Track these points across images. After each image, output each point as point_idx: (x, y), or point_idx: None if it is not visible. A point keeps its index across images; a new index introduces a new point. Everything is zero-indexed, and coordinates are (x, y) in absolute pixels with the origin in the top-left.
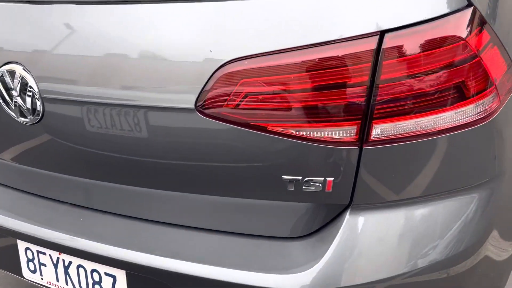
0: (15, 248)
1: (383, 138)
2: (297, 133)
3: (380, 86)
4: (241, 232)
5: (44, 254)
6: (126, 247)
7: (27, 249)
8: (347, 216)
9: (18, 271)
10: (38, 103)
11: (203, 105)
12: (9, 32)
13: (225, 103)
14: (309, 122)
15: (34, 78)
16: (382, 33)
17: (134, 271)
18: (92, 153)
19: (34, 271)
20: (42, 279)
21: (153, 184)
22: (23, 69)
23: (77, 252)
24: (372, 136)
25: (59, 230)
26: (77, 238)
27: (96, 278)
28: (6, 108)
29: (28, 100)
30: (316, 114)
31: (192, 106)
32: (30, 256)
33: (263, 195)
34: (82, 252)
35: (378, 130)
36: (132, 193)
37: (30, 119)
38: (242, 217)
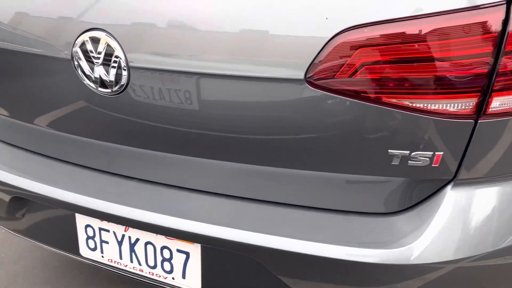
0: (72, 226)
1: (501, 111)
2: (412, 105)
3: (504, 57)
4: (334, 208)
5: (107, 231)
6: (208, 222)
7: (87, 226)
8: (449, 191)
9: (75, 250)
10: (124, 73)
11: (313, 76)
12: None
13: (338, 73)
14: (426, 93)
15: (121, 47)
16: (508, 2)
17: (217, 246)
18: (178, 125)
19: (94, 249)
20: (102, 256)
21: (247, 159)
22: (108, 36)
23: (150, 227)
24: (489, 109)
25: (130, 205)
26: (150, 212)
27: (167, 255)
28: (84, 78)
29: (113, 70)
30: (435, 86)
31: (301, 77)
32: (91, 234)
33: (364, 170)
34: (155, 227)
35: (497, 103)
36: (217, 168)
37: (112, 90)
38: (337, 193)
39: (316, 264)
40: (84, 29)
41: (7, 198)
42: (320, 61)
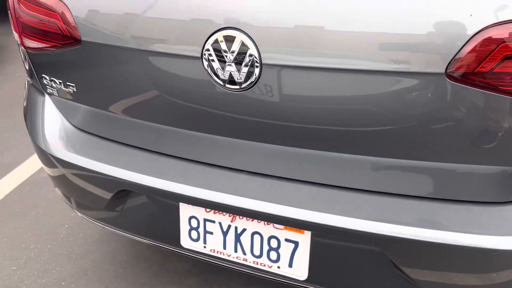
0: (175, 218)
1: None
2: None
3: None
4: (454, 198)
5: (213, 222)
6: (324, 211)
7: (191, 217)
8: None
9: (175, 241)
10: (256, 70)
11: (454, 70)
12: None
13: (478, 67)
14: None
15: (256, 45)
16: None
17: (332, 235)
18: (304, 121)
19: (196, 240)
20: (204, 247)
21: (367, 151)
22: (243, 34)
23: (261, 216)
24: None
25: (240, 195)
26: (263, 202)
27: (274, 245)
28: (212, 75)
29: (245, 68)
30: None
31: (442, 71)
32: (195, 225)
33: (495, 160)
34: (267, 216)
35: None
36: (333, 160)
37: (240, 87)
38: (458, 183)
39: (439, 252)
40: (217, 28)
41: (111, 192)
42: (462, 56)
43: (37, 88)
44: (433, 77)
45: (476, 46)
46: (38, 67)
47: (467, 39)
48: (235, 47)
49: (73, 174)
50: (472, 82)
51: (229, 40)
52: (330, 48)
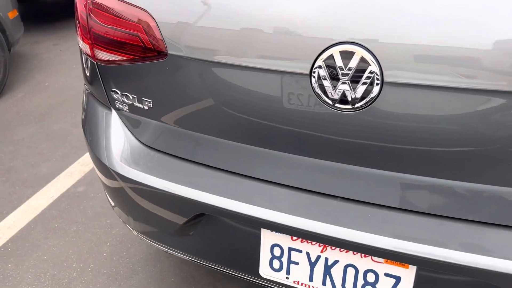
0: (255, 245)
1: None
2: None
3: None
4: None
5: (299, 251)
6: (436, 245)
7: (274, 245)
8: None
9: (253, 270)
10: (375, 89)
11: None
12: (346, 6)
13: None
14: None
15: (378, 62)
16: None
17: (446, 271)
18: (425, 145)
19: (278, 270)
20: (287, 278)
21: (502, 181)
22: (363, 50)
23: (360, 247)
24: None
25: (335, 223)
26: (362, 232)
27: (371, 279)
28: (321, 94)
29: (362, 86)
30: None
31: None
32: (277, 253)
33: None
34: (367, 248)
35: None
36: (456, 189)
37: (353, 106)
38: None
39: None
40: (333, 42)
41: (187, 216)
42: None
43: (103, 102)
44: None
45: None
46: (109, 80)
47: None
48: (353, 63)
49: (143, 195)
50: None
51: (346, 56)
52: (465, 66)
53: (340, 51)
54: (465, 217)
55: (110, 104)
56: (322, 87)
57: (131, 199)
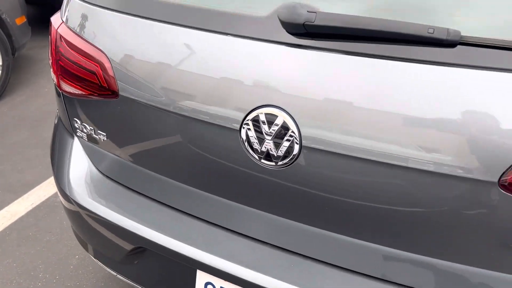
0: (191, 280)
1: None
2: None
3: None
4: None
5: None
6: None
7: (208, 283)
8: None
9: None
10: (295, 150)
11: (507, 180)
12: (270, 73)
13: None
14: None
15: (297, 126)
16: None
17: None
18: (339, 208)
19: None
20: None
21: (406, 247)
22: (285, 113)
23: None
24: None
25: (267, 273)
26: (290, 285)
27: None
28: (249, 149)
29: (283, 147)
30: None
31: (495, 180)
32: None
33: None
34: None
35: None
36: (367, 250)
37: (276, 164)
38: None
39: None
40: (260, 104)
41: (129, 247)
42: None
43: (67, 128)
44: (483, 184)
45: None
46: (71, 110)
47: None
48: (276, 125)
49: (94, 222)
50: None
51: (270, 117)
52: (376, 140)
53: (265, 113)
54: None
55: (73, 131)
56: (250, 143)
57: (83, 223)
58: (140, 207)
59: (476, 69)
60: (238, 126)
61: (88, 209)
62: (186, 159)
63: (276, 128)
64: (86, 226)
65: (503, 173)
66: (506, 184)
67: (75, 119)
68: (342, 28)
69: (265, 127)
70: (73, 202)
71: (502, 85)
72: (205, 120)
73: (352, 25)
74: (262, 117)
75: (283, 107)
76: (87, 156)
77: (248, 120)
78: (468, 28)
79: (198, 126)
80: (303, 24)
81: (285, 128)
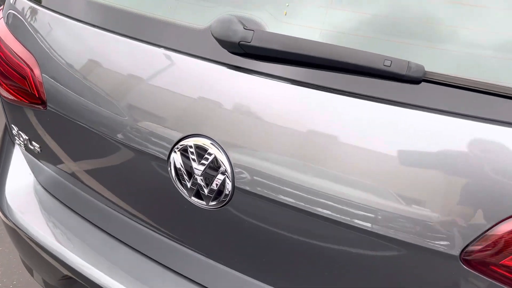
0: None
1: None
2: None
3: None
4: None
5: None
6: None
7: None
8: None
9: None
10: (227, 190)
11: (470, 255)
12: (204, 97)
13: (498, 256)
14: None
15: (229, 161)
16: None
17: None
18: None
19: None
20: None
21: None
22: (214, 145)
23: None
24: None
25: None
26: None
27: None
28: (177, 182)
29: (215, 184)
30: None
31: (456, 253)
32: None
33: None
34: None
35: None
36: None
37: (207, 204)
38: None
39: None
40: (190, 133)
41: (60, 273)
42: (484, 240)
43: (9, 134)
44: (445, 258)
45: (497, 236)
46: (10, 116)
47: (489, 227)
48: (206, 159)
49: (26, 240)
50: (491, 274)
51: (201, 149)
52: (309, 190)
53: (194, 144)
54: None
55: (11, 139)
56: (178, 176)
57: (16, 239)
58: (75, 229)
59: (440, 113)
60: (165, 156)
61: (19, 226)
62: (116, 184)
63: (206, 162)
64: (18, 241)
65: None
66: (467, 258)
67: (12, 125)
68: (284, 52)
69: (194, 161)
70: (5, 215)
71: (476, 137)
72: (133, 145)
73: (294, 49)
74: (192, 148)
75: (214, 139)
76: (28, 166)
77: (176, 150)
78: (438, 63)
79: (126, 150)
80: (239, 44)
81: (216, 163)
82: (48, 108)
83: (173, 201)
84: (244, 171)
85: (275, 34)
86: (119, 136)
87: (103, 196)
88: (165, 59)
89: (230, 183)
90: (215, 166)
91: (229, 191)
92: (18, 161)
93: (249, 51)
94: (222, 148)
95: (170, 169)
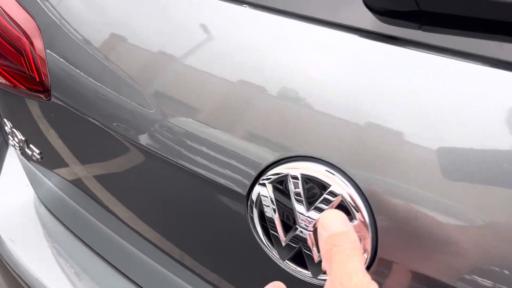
0: None
1: None
2: None
3: None
4: None
5: None
6: None
7: None
8: None
9: None
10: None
11: None
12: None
13: None
14: None
15: (370, 207)
16: None
17: None
18: None
19: None
20: None
21: None
22: (340, 178)
23: None
24: None
25: None
26: None
27: None
28: (261, 234)
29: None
30: None
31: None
32: None
33: None
34: None
35: None
36: None
37: (315, 273)
38: None
39: None
40: (294, 154)
41: None
42: None
43: (1, 131)
44: None
45: None
46: (2, 106)
47: None
48: (326, 202)
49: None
50: None
51: (314, 184)
52: None
53: (302, 174)
54: None
55: (3, 136)
56: (265, 224)
57: (7, 276)
58: (90, 271)
59: None
60: (245, 189)
61: (8, 262)
62: (151, 215)
63: (324, 207)
64: (12, 283)
65: None
66: None
67: (5, 119)
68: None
69: (300, 203)
70: None
71: None
72: (184, 163)
73: None
74: (296, 181)
75: (342, 168)
76: (26, 175)
77: (265, 180)
78: None
79: (171, 169)
80: None
81: (343, 209)
82: (52, 98)
83: (248, 259)
84: (395, 226)
85: None
86: (155, 145)
87: (128, 227)
88: (256, 24)
89: (369, 247)
90: (339, 204)
91: (366, 261)
92: (13, 167)
93: (427, 6)
94: (355, 184)
95: (251, 211)
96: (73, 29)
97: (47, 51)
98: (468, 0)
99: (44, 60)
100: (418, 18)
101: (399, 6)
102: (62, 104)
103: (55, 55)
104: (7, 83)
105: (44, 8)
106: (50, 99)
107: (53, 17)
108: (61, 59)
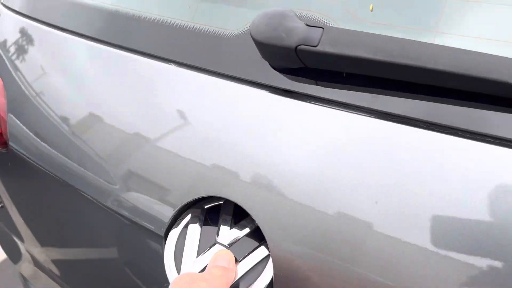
0: None
1: None
2: None
3: None
4: None
5: None
6: None
7: None
8: None
9: None
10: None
11: None
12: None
13: None
14: None
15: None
16: None
17: None
18: None
19: None
20: None
21: None
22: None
23: None
24: None
25: None
26: None
27: None
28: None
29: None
30: None
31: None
32: None
33: None
34: None
35: None
36: None
37: None
38: None
39: None
40: (203, 195)
41: None
42: None
43: None
44: None
45: None
46: None
47: None
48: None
49: None
50: None
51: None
52: None
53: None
54: None
55: None
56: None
57: None
58: None
59: None
60: (162, 230)
61: None
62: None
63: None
64: None
65: None
66: None
67: None
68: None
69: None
70: None
71: None
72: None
73: (410, 57)
74: (197, 219)
75: (242, 204)
76: None
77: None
78: None
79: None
80: (296, 49)
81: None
82: (9, 148)
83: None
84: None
85: (364, 34)
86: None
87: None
88: (177, 79)
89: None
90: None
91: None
92: None
93: (311, 63)
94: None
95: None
96: (30, 77)
97: (9, 99)
98: (338, 59)
99: (4, 112)
100: (307, 74)
101: (290, 64)
102: (19, 152)
103: (14, 106)
104: None
105: (7, 57)
106: (7, 149)
107: (15, 68)
108: (19, 110)
